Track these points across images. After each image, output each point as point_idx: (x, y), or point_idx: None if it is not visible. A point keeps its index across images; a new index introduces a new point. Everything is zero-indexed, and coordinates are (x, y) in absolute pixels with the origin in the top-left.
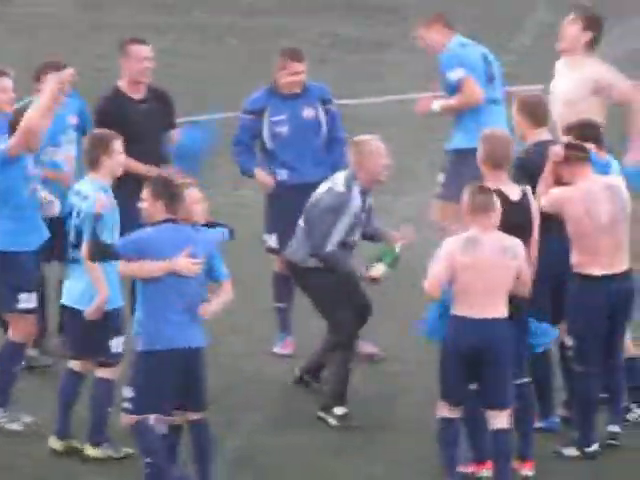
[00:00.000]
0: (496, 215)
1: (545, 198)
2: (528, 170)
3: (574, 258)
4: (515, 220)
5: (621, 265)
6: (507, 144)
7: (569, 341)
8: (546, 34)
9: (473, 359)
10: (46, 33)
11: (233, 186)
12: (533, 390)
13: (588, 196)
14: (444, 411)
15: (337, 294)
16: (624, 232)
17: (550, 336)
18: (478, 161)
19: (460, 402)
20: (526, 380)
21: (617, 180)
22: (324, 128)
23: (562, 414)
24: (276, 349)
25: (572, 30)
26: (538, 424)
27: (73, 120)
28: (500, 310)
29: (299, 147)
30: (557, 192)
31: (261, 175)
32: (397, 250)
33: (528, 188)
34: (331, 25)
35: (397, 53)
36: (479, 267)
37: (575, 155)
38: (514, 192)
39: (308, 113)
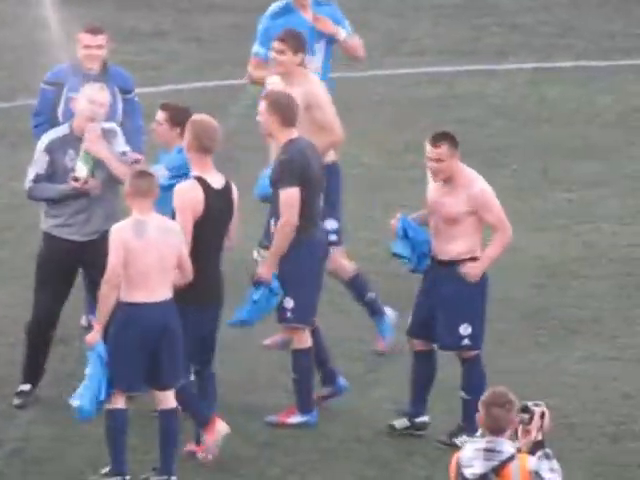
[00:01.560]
0: (154, 199)
1: None
2: (295, 170)
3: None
4: (217, 207)
5: None
6: (214, 131)
7: (466, 329)
8: None
9: (151, 342)
10: None
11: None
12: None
13: None
14: (118, 402)
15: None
16: None
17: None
18: (185, 147)
19: (138, 389)
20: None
21: None
22: (119, 115)
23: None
24: None
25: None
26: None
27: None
28: (169, 292)
29: None
30: None
31: None
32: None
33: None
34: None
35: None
36: (151, 249)
37: None
38: (217, 180)
39: None
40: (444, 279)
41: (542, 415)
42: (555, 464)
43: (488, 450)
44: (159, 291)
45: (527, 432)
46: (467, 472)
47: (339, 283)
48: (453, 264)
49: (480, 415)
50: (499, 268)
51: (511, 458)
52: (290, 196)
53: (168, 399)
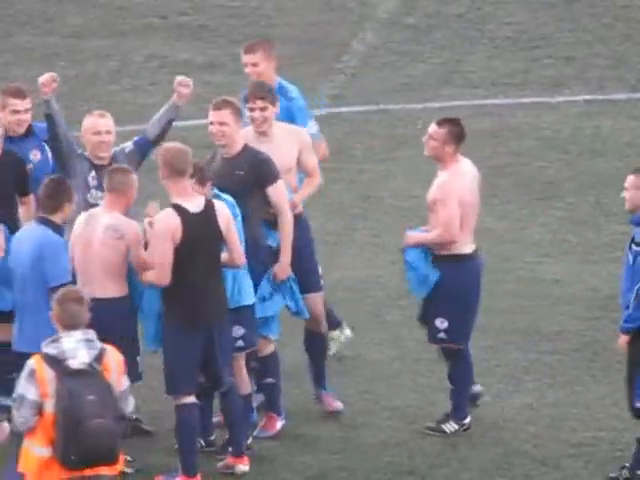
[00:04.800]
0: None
1: None
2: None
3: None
4: (197, 230)
5: None
6: (185, 154)
7: (442, 323)
8: (373, 55)
9: None
10: None
11: None
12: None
13: None
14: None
15: None
16: None
17: None
18: (160, 176)
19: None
20: None
21: None
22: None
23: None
24: None
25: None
26: None
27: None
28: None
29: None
30: None
31: None
32: None
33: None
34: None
35: (227, 75)
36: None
37: None
38: (196, 204)
39: (35, 156)
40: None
41: None
42: None
43: (88, 340)
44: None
45: None
46: (75, 363)
47: None
48: (437, 258)
49: (55, 311)
50: (552, 300)
51: (104, 348)
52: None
53: None
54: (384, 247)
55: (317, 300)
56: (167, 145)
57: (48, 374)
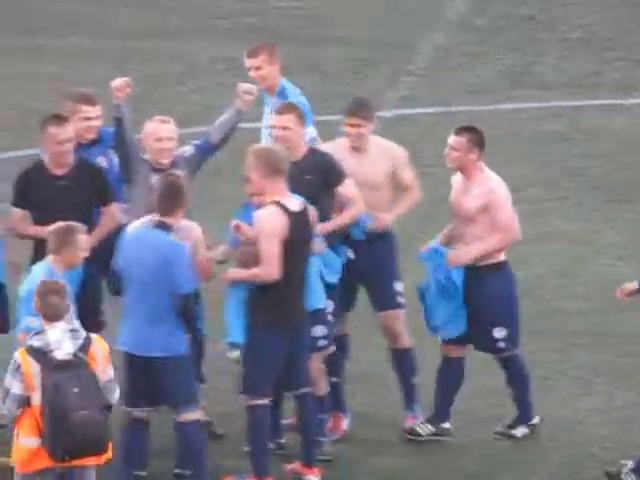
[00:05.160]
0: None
1: None
2: None
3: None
4: (297, 229)
5: None
6: (281, 153)
7: (500, 332)
8: (443, 57)
9: None
10: None
11: None
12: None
13: None
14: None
15: None
16: None
17: None
18: (256, 177)
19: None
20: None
21: None
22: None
23: None
24: None
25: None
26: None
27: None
28: None
29: None
30: None
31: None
32: None
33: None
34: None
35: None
36: None
37: None
38: (293, 203)
39: (100, 162)
40: (474, 284)
41: None
42: None
43: (73, 330)
44: None
45: None
46: (60, 354)
47: None
48: (480, 268)
49: (37, 304)
50: (623, 303)
51: (89, 338)
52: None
53: None
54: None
55: (393, 317)
56: (260, 145)
57: (34, 367)
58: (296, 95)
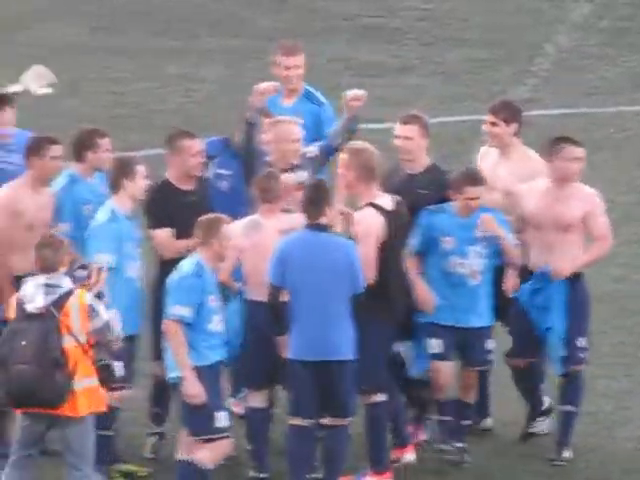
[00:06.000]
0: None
1: None
2: None
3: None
4: (396, 228)
5: None
6: (377, 155)
7: (582, 342)
8: (565, 58)
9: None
10: (59, 58)
11: None
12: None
13: None
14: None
15: None
16: None
17: None
18: (352, 178)
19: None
20: None
21: None
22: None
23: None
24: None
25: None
26: None
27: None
28: None
29: None
30: None
31: None
32: None
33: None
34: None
35: (418, 77)
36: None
37: None
38: (388, 202)
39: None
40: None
41: (99, 271)
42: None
43: (48, 285)
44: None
45: (87, 286)
46: (30, 307)
47: None
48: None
49: (34, 257)
50: None
51: (69, 293)
52: None
53: None
54: None
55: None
56: (357, 147)
57: (14, 315)
58: (322, 98)
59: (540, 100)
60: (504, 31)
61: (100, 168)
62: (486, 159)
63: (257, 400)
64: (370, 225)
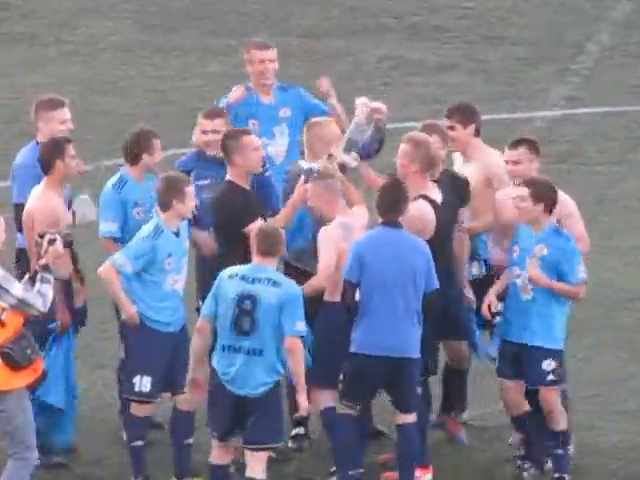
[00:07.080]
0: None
1: None
2: None
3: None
4: (444, 220)
5: None
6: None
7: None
8: (607, 57)
9: None
10: (105, 56)
11: None
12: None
13: None
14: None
15: None
16: None
17: None
18: (411, 170)
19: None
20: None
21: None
22: None
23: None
24: None
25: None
26: None
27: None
28: None
29: None
30: None
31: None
32: None
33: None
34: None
35: (461, 75)
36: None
37: None
38: (436, 194)
39: None
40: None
41: (50, 242)
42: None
43: None
44: None
45: (39, 255)
46: None
47: None
48: None
49: None
50: None
51: None
52: None
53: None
54: (616, 249)
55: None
56: (419, 139)
57: None
58: (290, 84)
59: (582, 99)
60: (546, 29)
61: (151, 170)
62: (456, 164)
63: (330, 400)
64: (420, 216)
